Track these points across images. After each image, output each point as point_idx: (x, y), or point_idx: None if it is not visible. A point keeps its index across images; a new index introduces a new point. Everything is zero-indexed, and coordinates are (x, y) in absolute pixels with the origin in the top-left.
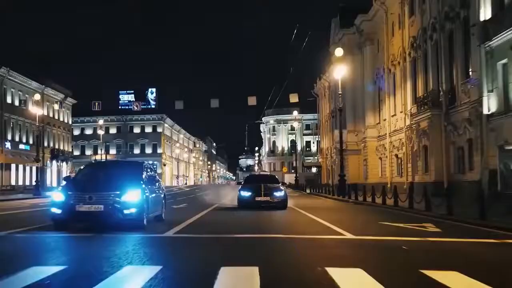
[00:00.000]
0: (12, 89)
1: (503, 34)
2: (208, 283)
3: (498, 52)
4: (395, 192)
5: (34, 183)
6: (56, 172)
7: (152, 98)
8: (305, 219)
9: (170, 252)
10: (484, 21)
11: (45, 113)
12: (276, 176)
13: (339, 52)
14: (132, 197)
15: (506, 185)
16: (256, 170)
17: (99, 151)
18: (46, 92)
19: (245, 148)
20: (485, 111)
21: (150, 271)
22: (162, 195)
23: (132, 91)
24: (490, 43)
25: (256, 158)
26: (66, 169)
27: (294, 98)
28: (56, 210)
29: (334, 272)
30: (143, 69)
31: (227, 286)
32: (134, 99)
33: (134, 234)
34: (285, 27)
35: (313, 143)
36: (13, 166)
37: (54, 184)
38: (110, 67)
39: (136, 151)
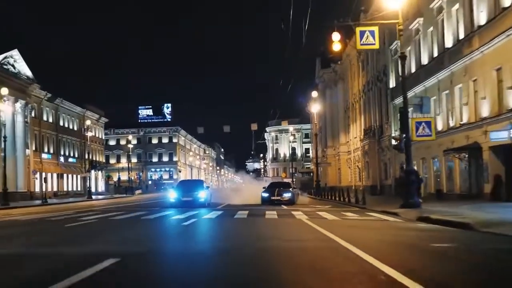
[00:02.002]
0: (63, 114)
1: (397, 99)
2: (234, 215)
3: (397, 108)
4: (336, 191)
5: (79, 189)
6: (94, 180)
7: (168, 112)
8: (277, 206)
9: (222, 210)
10: (392, 88)
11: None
12: (289, 182)
13: (315, 94)
14: (202, 194)
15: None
16: (262, 174)
17: (121, 160)
18: (86, 114)
19: (252, 152)
20: (393, 143)
21: (218, 212)
22: (210, 193)
23: (150, 106)
24: (394, 102)
25: (262, 164)
26: (101, 177)
27: (285, 124)
28: (172, 200)
29: (267, 213)
30: (145, 68)
31: (238, 216)
32: (152, 113)
33: (204, 208)
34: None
35: (312, 150)
36: (65, 175)
37: (93, 190)
38: (120, 71)
39: (155, 159)
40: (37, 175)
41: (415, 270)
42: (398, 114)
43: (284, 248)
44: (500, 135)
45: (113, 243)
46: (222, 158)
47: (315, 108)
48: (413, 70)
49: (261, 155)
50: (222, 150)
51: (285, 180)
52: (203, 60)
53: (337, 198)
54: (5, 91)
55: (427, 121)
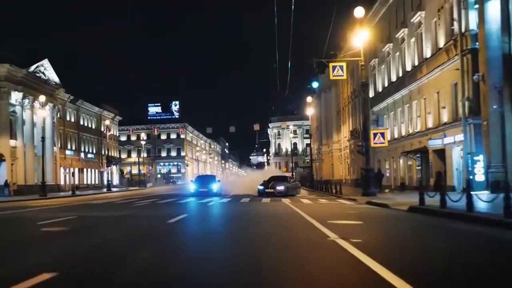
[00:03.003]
0: (83, 114)
1: (376, 106)
2: (240, 199)
3: (376, 114)
4: (326, 184)
5: (96, 182)
6: (110, 173)
7: (176, 109)
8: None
9: (230, 198)
10: (372, 97)
11: (103, 129)
12: (287, 175)
13: (309, 99)
14: (215, 186)
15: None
16: (265, 168)
17: (132, 155)
18: (103, 114)
19: (256, 146)
20: (357, 149)
21: (228, 198)
22: (221, 185)
23: (159, 104)
24: (373, 109)
25: (265, 158)
26: (115, 171)
27: (284, 124)
28: (192, 190)
29: (263, 200)
30: (146, 67)
31: (243, 201)
32: (160, 110)
33: (217, 196)
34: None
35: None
36: (85, 170)
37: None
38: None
39: (163, 154)
40: (67, 170)
41: (323, 220)
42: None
43: (267, 213)
44: (435, 142)
45: (176, 210)
46: (227, 152)
47: (310, 111)
48: (386, 84)
49: (264, 149)
50: (227, 144)
51: (286, 174)
52: (205, 60)
53: (324, 190)
54: (42, 98)
55: (382, 132)
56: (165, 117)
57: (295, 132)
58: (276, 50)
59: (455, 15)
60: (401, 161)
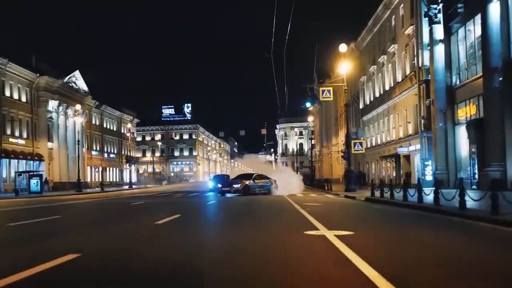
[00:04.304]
0: (106, 118)
1: (365, 116)
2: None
3: (366, 123)
4: (321, 182)
5: (117, 180)
6: (128, 172)
7: (188, 111)
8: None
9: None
10: (361, 108)
11: (123, 131)
12: (255, 174)
13: (310, 108)
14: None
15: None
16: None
17: (146, 154)
18: (123, 117)
19: (264, 145)
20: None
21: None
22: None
23: (172, 106)
24: (363, 118)
25: (273, 157)
26: (133, 169)
27: (288, 129)
28: (210, 187)
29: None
30: (148, 68)
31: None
32: (174, 112)
33: (230, 194)
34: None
35: (316, 147)
36: (107, 168)
37: (128, 180)
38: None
39: (176, 153)
40: (94, 169)
41: (301, 203)
42: (366, 128)
43: (266, 201)
44: (403, 150)
45: (206, 199)
46: (236, 151)
47: (310, 118)
48: (372, 99)
49: (272, 149)
50: (236, 143)
51: (290, 171)
52: (205, 60)
53: (319, 187)
54: (78, 106)
55: (360, 142)
56: (178, 118)
57: (301, 133)
58: (274, 78)
59: (416, 52)
60: (383, 163)
